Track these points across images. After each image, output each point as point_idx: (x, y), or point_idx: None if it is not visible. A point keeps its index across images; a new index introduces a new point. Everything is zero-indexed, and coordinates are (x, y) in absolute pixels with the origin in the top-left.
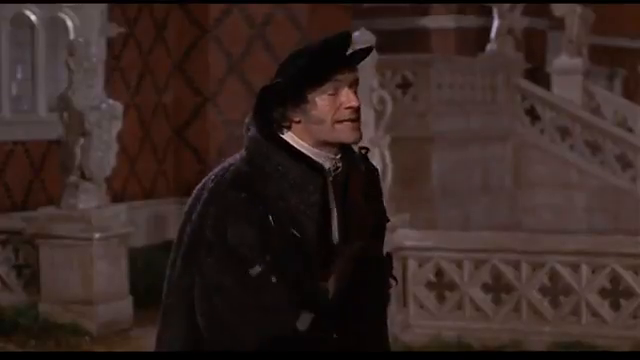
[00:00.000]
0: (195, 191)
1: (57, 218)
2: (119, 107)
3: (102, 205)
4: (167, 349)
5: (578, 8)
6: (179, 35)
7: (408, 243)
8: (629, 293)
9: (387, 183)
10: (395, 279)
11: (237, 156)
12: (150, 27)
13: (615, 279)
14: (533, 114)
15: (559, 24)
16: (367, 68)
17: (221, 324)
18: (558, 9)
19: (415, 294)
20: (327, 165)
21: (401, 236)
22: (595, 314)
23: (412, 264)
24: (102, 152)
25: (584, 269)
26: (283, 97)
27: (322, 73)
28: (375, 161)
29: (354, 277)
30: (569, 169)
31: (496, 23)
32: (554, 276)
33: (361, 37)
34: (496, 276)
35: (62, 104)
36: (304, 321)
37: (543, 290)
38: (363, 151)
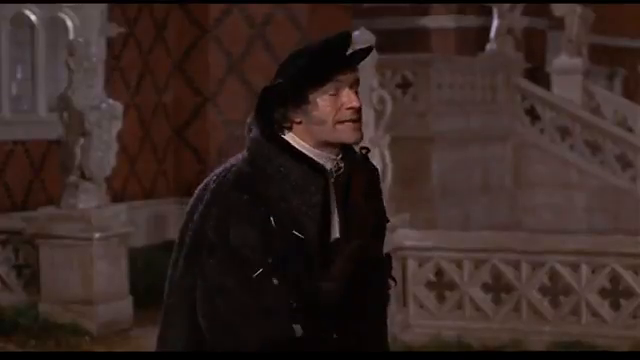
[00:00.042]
0: (197, 191)
1: (57, 218)
2: (119, 107)
3: (102, 205)
4: (169, 349)
5: (578, 8)
6: (179, 35)
7: (408, 243)
8: (629, 293)
9: (387, 183)
10: (394, 280)
11: (239, 156)
12: (150, 27)
13: (615, 279)
14: (533, 114)
15: (559, 24)
16: (367, 68)
17: (223, 325)
18: (558, 9)
19: (415, 294)
20: (328, 166)
21: (401, 236)
22: (595, 314)
23: (412, 264)
24: (102, 152)
25: (584, 269)
26: (284, 98)
27: (323, 73)
28: (375, 161)
29: (354, 277)
30: (569, 169)
31: (496, 23)
32: (554, 276)
33: (361, 37)
34: (496, 276)
35: (62, 104)
36: (297, 330)
37: (543, 290)
38: (364, 151)
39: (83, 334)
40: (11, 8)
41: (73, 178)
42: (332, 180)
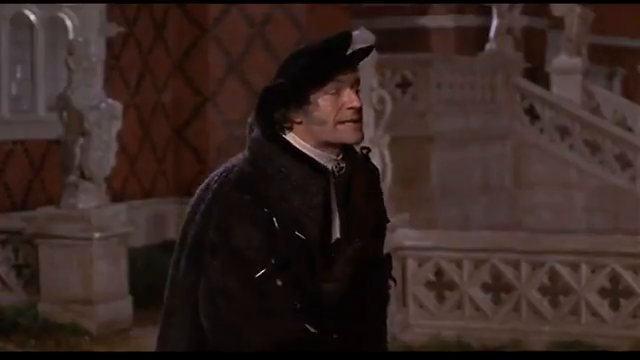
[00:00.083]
0: (198, 191)
1: (57, 218)
2: (118, 107)
3: (102, 205)
4: (170, 349)
5: (577, 7)
6: (178, 35)
7: (408, 243)
8: (629, 293)
9: (387, 183)
10: (394, 280)
11: (240, 156)
12: (149, 27)
13: (615, 279)
14: (532, 113)
15: (558, 23)
16: (367, 68)
17: (225, 327)
18: (557, 8)
19: (415, 294)
20: (329, 166)
21: (401, 236)
22: (595, 314)
23: (412, 264)
24: (102, 152)
25: (584, 269)
26: (285, 98)
27: (324, 73)
28: (375, 161)
29: (355, 277)
30: (569, 168)
31: (495, 22)
32: (554, 276)
33: (360, 36)
34: (496, 276)
35: (61, 104)
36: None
37: (543, 290)
38: (364, 151)
39: (83, 334)
40: (11, 8)
41: (73, 178)
42: (334, 181)
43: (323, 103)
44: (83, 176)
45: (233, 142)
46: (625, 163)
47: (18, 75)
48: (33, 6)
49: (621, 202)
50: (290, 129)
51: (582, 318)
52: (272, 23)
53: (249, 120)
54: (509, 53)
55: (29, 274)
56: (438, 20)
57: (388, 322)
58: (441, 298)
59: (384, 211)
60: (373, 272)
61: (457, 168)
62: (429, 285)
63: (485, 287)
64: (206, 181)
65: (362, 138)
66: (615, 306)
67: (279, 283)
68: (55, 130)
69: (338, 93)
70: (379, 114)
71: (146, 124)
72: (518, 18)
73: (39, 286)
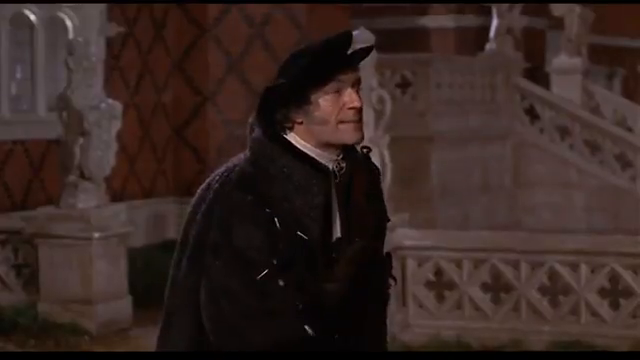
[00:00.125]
0: (199, 191)
1: (56, 218)
2: (118, 106)
3: (101, 205)
4: (171, 349)
5: (577, 7)
6: (178, 34)
7: (407, 242)
8: (628, 292)
9: (386, 183)
10: (394, 279)
11: (241, 156)
12: (149, 27)
13: (614, 278)
14: (532, 113)
15: (558, 23)
16: (367, 67)
17: (228, 328)
18: (557, 8)
19: (414, 293)
20: (330, 166)
21: (400, 236)
22: (594, 313)
23: (411, 263)
24: (101, 151)
25: (583, 268)
26: (286, 98)
27: (325, 73)
28: (374, 161)
29: (355, 277)
30: (568, 168)
31: (495, 22)
32: (553, 275)
33: (360, 36)
34: (495, 275)
35: (61, 104)
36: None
37: (542, 289)
38: (365, 151)
39: (82, 334)
40: (11, 8)
41: (72, 178)
42: (335, 181)
43: (324, 103)
44: (83, 176)
45: (233, 142)
46: (625, 163)
47: (18, 75)
48: (33, 6)
49: (621, 202)
50: (291, 129)
51: (582, 318)
52: (272, 23)
53: (250, 120)
54: (509, 53)
55: (29, 274)
56: (438, 20)
57: (388, 322)
58: (441, 298)
59: (385, 211)
60: (373, 272)
61: (457, 168)
62: (429, 285)
63: (485, 287)
64: (207, 181)
65: (362, 138)
66: (615, 306)
67: (281, 283)
68: (55, 130)
69: (339, 93)
70: (379, 114)
71: (146, 124)
72: (518, 18)
73: (39, 286)
